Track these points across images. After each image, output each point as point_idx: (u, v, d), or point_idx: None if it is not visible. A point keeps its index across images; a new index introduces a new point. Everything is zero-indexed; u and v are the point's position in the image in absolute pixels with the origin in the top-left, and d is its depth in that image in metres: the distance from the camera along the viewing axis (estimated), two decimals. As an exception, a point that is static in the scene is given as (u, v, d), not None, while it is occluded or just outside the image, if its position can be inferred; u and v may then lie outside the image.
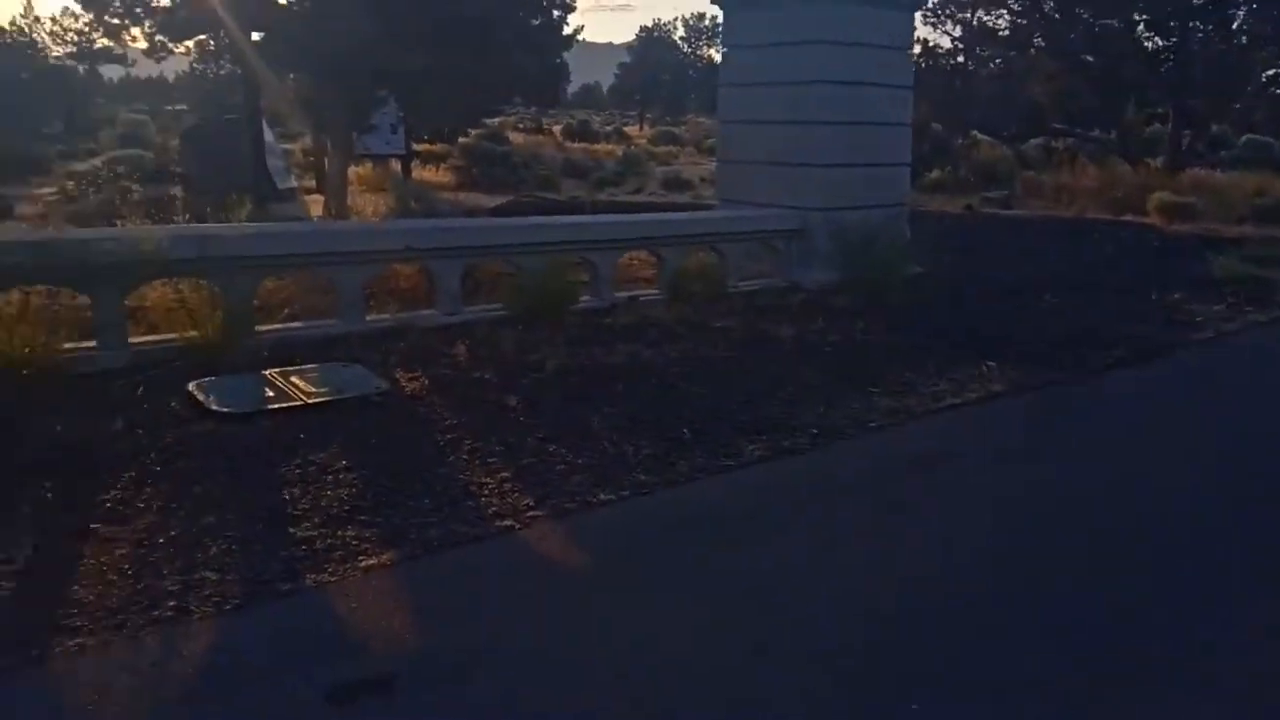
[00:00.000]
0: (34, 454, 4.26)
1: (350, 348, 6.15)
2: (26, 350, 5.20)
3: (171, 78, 59.52)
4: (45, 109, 32.12)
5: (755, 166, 9.38)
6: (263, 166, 14.09)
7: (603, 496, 4.00)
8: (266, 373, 5.54)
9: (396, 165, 19.31)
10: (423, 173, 21.62)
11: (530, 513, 3.81)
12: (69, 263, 5.64)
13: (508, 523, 3.72)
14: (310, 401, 5.10)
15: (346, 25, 10.06)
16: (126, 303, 6.00)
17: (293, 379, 5.43)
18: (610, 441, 4.63)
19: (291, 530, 3.58)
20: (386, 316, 6.99)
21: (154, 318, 6.29)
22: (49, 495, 3.87)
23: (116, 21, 11.85)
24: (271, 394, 5.21)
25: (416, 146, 21.04)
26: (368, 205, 14.33)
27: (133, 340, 5.96)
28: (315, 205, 15.17)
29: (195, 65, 40.69)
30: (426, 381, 5.58)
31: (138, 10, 11.65)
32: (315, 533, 3.56)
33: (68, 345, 5.58)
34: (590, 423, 4.91)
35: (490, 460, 4.37)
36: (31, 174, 21.53)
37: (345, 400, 5.15)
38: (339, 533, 3.57)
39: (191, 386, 5.24)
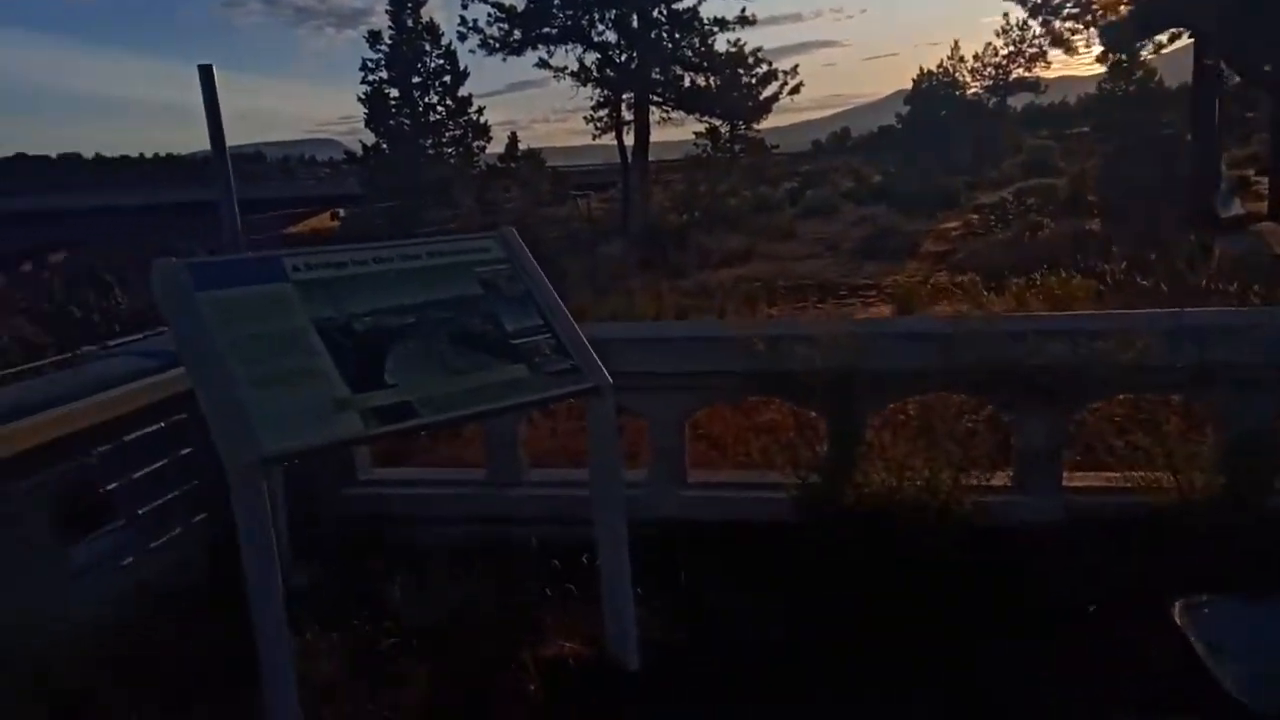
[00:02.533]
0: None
1: None
2: (927, 487, 3.64)
3: (1073, 100, 58.54)
4: (958, 143, 33.84)
5: None
6: (1210, 189, 10.97)
7: None
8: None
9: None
10: None
11: None
12: (985, 367, 3.88)
13: None
14: None
15: None
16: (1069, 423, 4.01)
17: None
18: None
19: None
20: None
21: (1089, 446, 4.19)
22: None
23: (1067, 25, 10.25)
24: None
25: None
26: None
27: (1069, 483, 3.95)
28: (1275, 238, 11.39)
29: (1103, 85, 38.43)
30: None
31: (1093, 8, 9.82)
32: None
33: (975, 482, 3.85)
34: None
35: None
36: (940, 208, 22.35)
37: None
38: None
39: (1178, 610, 2.95)
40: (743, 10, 23.73)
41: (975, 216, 20.16)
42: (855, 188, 36.13)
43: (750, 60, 23.24)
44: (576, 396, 3.11)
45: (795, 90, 23.69)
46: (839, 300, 12.56)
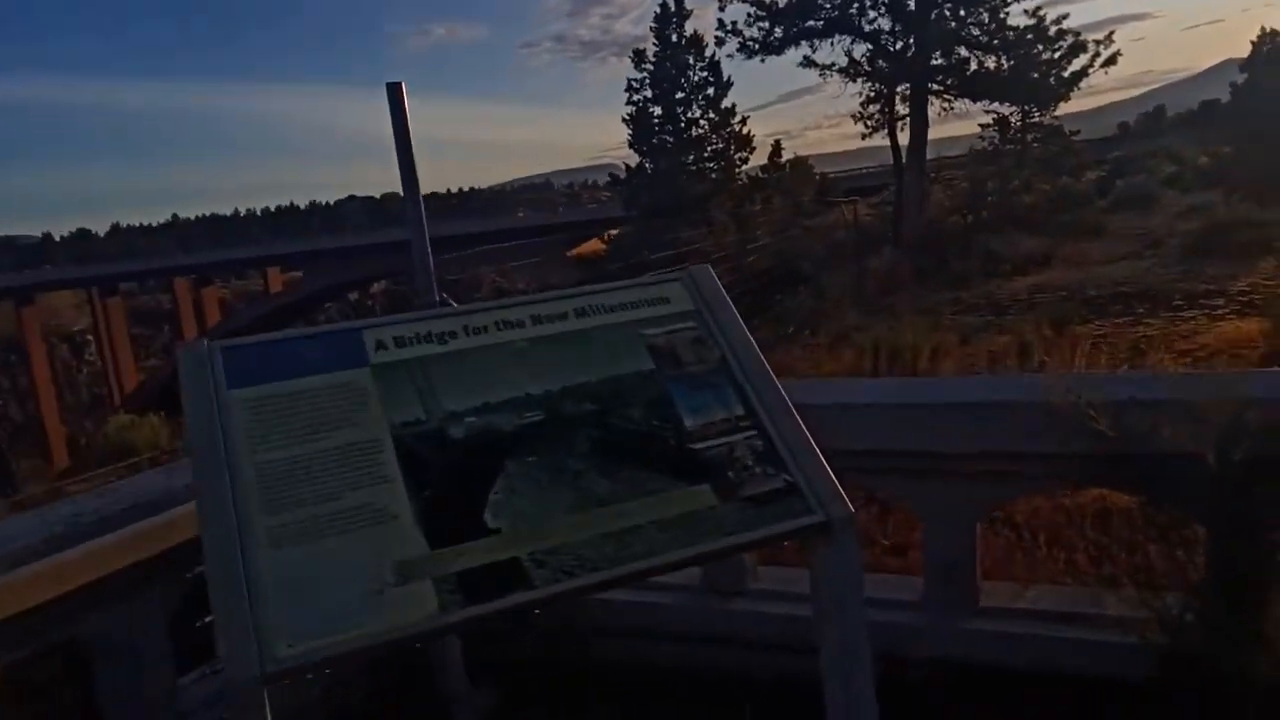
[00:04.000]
0: None
1: None
2: None
3: None
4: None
5: None
6: None
7: None
8: None
9: None
10: None
11: None
12: None
13: None
14: None
15: None
16: None
17: None
18: None
19: None
20: None
21: None
22: None
23: None
24: None
25: None
26: None
27: None
28: None
29: None
30: None
31: None
32: None
33: None
34: None
35: None
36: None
37: None
38: None
39: None
40: None
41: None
42: (1178, 173, 31.15)
43: (1052, 32, 20.17)
44: (796, 537, 1.96)
45: (1111, 61, 20.20)
46: (1174, 313, 10.10)
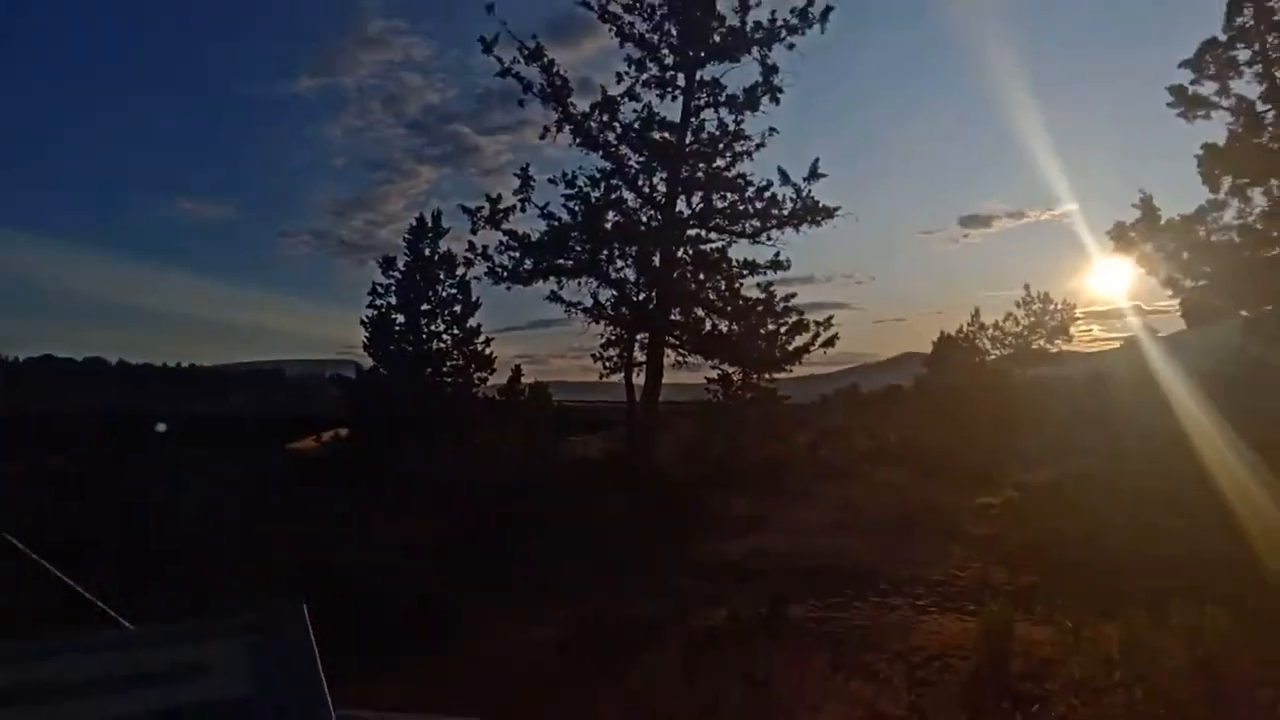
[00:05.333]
0: None
1: None
2: None
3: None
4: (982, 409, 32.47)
5: None
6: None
7: None
8: None
9: None
10: None
11: None
12: None
13: None
14: None
15: None
16: None
17: None
18: None
19: None
20: None
21: None
22: None
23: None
24: None
25: None
26: None
27: None
28: None
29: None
30: None
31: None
32: None
33: None
34: None
35: None
36: (973, 482, 20.43)
37: None
38: None
39: None
40: (776, 254, 22.63)
41: (1016, 494, 18.14)
42: (873, 447, 34.47)
43: (779, 308, 22.03)
44: None
45: (829, 343, 22.30)
46: (882, 598, 10.20)
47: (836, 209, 22.26)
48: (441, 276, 27.03)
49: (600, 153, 22.10)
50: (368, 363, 27.08)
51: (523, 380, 30.51)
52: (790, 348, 21.81)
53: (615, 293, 22.33)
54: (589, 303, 22.31)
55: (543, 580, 10.91)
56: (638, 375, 22.88)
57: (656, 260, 21.65)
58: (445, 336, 27.05)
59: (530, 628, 9.28)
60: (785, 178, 22.03)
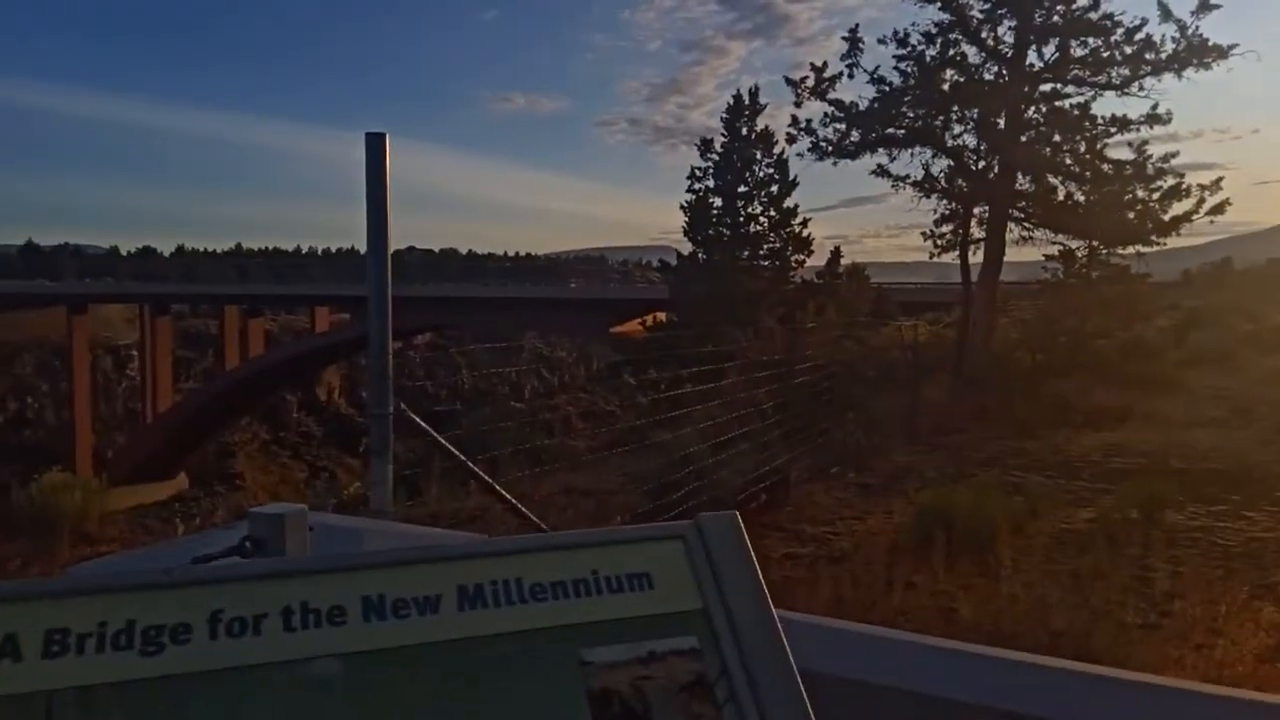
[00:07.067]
0: None
1: None
2: None
3: None
4: None
5: None
6: None
7: None
8: None
9: None
10: None
11: None
12: None
13: None
14: None
15: None
16: None
17: None
18: None
19: None
20: None
21: None
22: None
23: None
24: None
25: None
26: None
27: None
28: None
29: None
30: None
31: None
32: None
33: None
34: None
35: None
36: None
37: None
38: None
39: None
40: (1154, 106, 19.08)
41: None
42: (1255, 331, 29.55)
43: (1151, 171, 18.96)
44: None
45: (1219, 210, 18.92)
46: (1277, 507, 8.74)
47: (1232, 47, 18.44)
48: (759, 156, 26.66)
49: (938, 3, 20.04)
50: (684, 250, 27.67)
51: (840, 262, 29.68)
52: (1166, 217, 18.74)
53: (951, 162, 20.50)
54: (920, 175, 20.78)
55: (882, 471, 10.66)
56: (974, 254, 21.20)
57: (1001, 123, 19.48)
58: (762, 218, 26.87)
59: (867, 519, 9.15)
60: (1166, 13, 18.51)
